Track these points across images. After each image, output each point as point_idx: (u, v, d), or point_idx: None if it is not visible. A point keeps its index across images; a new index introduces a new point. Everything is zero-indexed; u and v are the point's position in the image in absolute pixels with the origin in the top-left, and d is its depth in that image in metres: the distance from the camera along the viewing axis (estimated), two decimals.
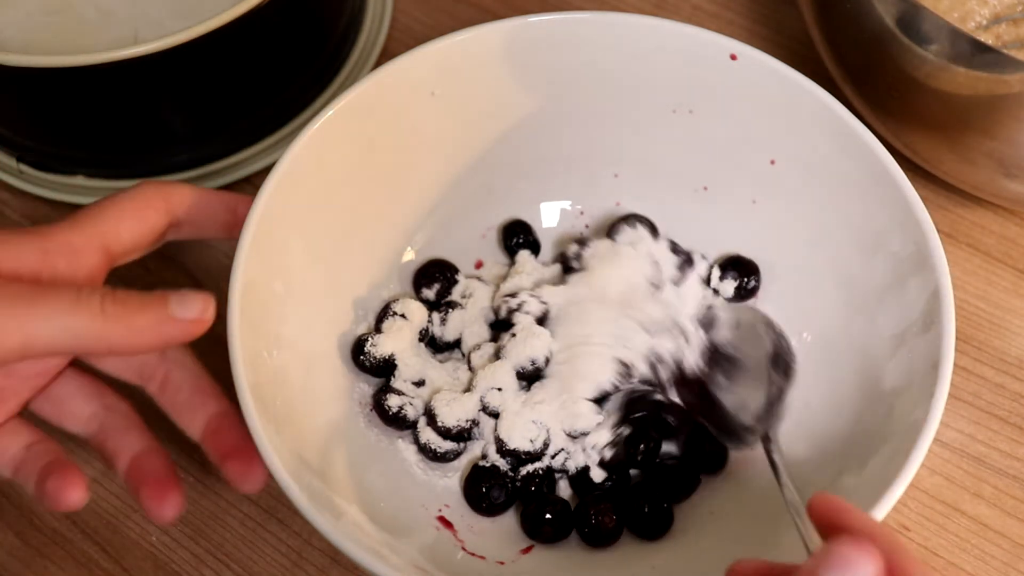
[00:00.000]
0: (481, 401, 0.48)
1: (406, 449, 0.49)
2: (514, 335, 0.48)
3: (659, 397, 0.48)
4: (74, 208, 0.58)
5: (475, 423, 0.48)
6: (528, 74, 0.51)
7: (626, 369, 0.47)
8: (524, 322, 0.49)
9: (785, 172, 0.51)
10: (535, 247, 0.54)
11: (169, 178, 0.59)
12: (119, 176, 0.60)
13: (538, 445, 0.47)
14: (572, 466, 0.48)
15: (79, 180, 0.60)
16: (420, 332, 0.51)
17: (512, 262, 0.54)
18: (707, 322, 0.48)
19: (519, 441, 0.47)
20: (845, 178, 0.48)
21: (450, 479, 0.49)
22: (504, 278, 0.53)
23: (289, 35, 0.58)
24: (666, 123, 0.52)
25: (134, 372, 0.42)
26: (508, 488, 0.47)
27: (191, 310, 0.37)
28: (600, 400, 0.48)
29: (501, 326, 0.50)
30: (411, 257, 0.53)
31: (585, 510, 0.47)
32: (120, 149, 0.59)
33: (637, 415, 0.48)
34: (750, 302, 0.53)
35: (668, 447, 0.49)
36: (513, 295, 0.50)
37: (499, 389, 0.48)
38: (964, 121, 0.51)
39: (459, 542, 0.46)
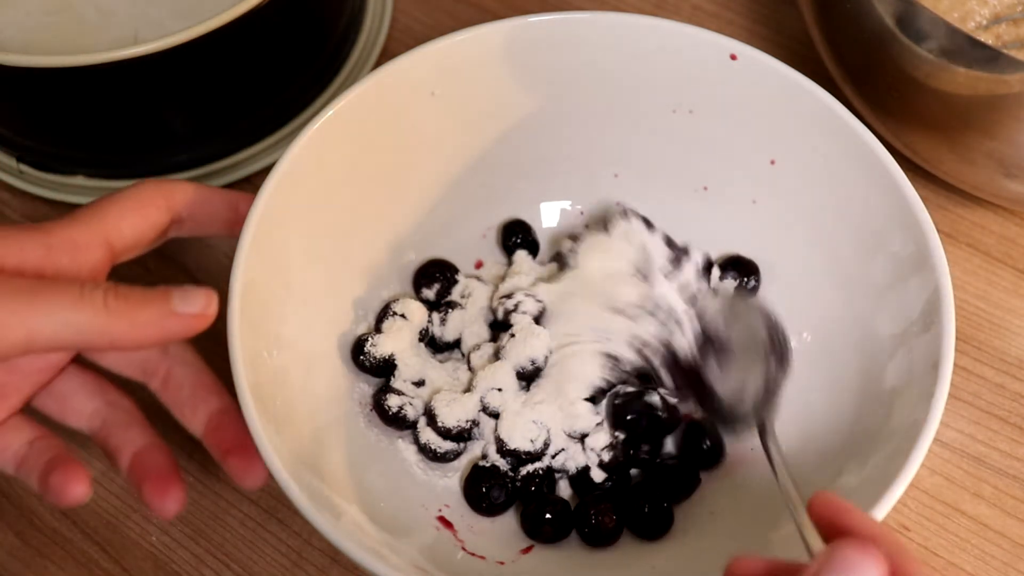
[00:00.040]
0: (481, 401, 0.48)
1: (406, 449, 0.49)
2: (513, 335, 0.48)
3: (649, 398, 0.48)
4: (74, 208, 0.58)
5: (475, 423, 0.48)
6: (528, 74, 0.51)
7: (614, 362, 0.47)
8: (523, 322, 0.49)
9: (785, 172, 0.51)
10: (533, 247, 0.54)
11: (169, 178, 0.59)
12: (119, 176, 0.60)
13: (538, 445, 0.47)
14: (572, 466, 0.48)
15: (79, 180, 0.60)
16: (420, 332, 0.51)
17: (511, 262, 0.54)
18: (701, 309, 0.48)
19: (519, 441, 0.47)
20: (845, 178, 0.48)
21: (450, 479, 0.49)
22: (503, 278, 0.53)
23: (289, 35, 0.58)
24: (666, 123, 0.52)
25: (136, 368, 0.42)
26: (508, 488, 0.47)
27: (194, 305, 0.37)
28: (595, 398, 0.48)
29: (501, 326, 0.50)
30: (411, 257, 0.53)
31: (585, 510, 0.47)
32: (120, 149, 0.59)
33: (630, 417, 0.48)
34: None
35: (665, 445, 0.49)
36: (509, 296, 0.50)
37: (499, 389, 0.48)
38: (964, 121, 0.51)
39: (459, 542, 0.46)
